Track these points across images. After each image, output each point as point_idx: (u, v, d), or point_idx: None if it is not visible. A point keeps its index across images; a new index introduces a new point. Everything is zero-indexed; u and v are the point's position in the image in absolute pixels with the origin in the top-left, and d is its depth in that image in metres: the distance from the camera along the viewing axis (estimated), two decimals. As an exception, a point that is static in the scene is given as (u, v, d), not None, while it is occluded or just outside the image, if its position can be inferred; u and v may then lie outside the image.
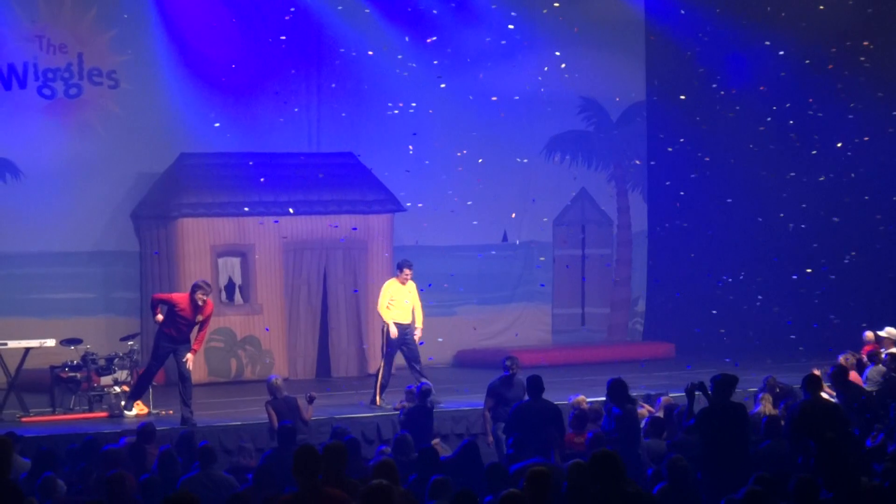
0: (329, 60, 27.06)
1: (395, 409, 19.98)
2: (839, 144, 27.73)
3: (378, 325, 24.74)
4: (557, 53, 28.36)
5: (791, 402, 18.06)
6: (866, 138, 27.42)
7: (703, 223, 28.80)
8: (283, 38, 26.45)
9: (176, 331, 20.23)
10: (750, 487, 11.00)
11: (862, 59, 27.35)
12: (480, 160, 27.74)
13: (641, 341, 29.72)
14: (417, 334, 22.19)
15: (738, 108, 28.20)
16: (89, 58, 25.94)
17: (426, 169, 27.28)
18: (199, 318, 20.24)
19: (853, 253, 27.96)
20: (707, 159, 28.68)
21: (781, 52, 27.47)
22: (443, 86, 26.98)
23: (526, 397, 17.92)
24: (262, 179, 25.39)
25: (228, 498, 12.60)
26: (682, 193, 28.57)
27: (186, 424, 19.63)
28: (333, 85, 27.06)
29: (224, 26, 26.17)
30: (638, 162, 29.98)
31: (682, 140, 28.78)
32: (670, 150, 29.03)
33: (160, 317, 20.50)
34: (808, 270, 27.96)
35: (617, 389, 16.87)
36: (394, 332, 21.99)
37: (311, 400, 19.06)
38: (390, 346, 22.02)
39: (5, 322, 24.30)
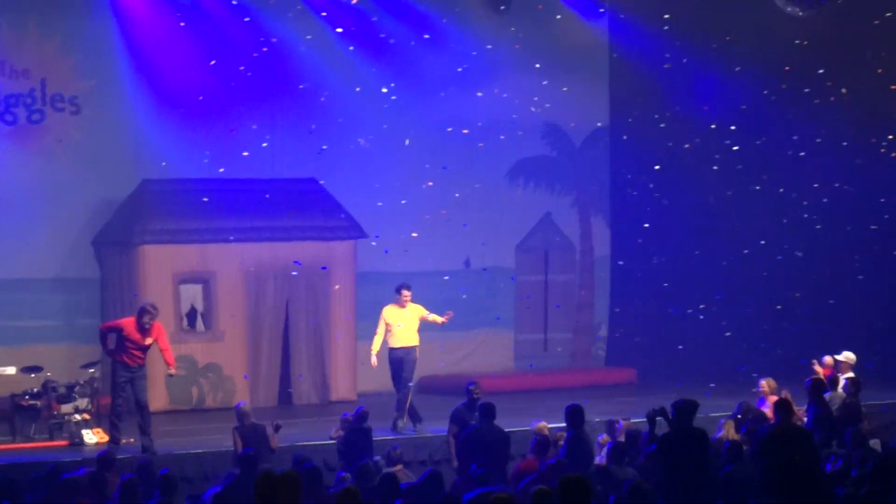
0: (291, 87, 27.02)
1: (332, 439, 19.54)
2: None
3: (336, 350, 24.96)
4: (526, 81, 28.41)
5: (753, 426, 18.11)
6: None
7: (665, 249, 28.86)
8: (243, 68, 26.44)
9: (128, 357, 20.13)
10: None
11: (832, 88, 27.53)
12: (457, 195, 27.98)
13: (604, 367, 29.75)
14: (447, 318, 22.41)
15: (697, 139, 28.28)
16: (52, 83, 25.90)
17: (389, 195, 27.29)
18: (149, 340, 20.16)
19: (797, 293, 28.22)
20: (658, 182, 28.78)
21: (738, 68, 27.63)
22: (393, 96, 27.04)
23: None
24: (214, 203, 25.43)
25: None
26: (646, 225, 28.62)
27: (147, 453, 19.57)
28: (296, 114, 27.07)
29: (186, 54, 26.16)
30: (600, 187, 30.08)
31: (644, 165, 28.85)
32: (629, 177, 29.19)
33: (111, 346, 20.46)
34: (779, 307, 28.21)
35: (574, 415, 16.89)
36: (374, 361, 22.19)
37: (277, 428, 18.98)
38: (397, 372, 22.22)
39: (-35, 349, 24.25)
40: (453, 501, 13.07)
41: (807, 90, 27.46)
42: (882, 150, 27.55)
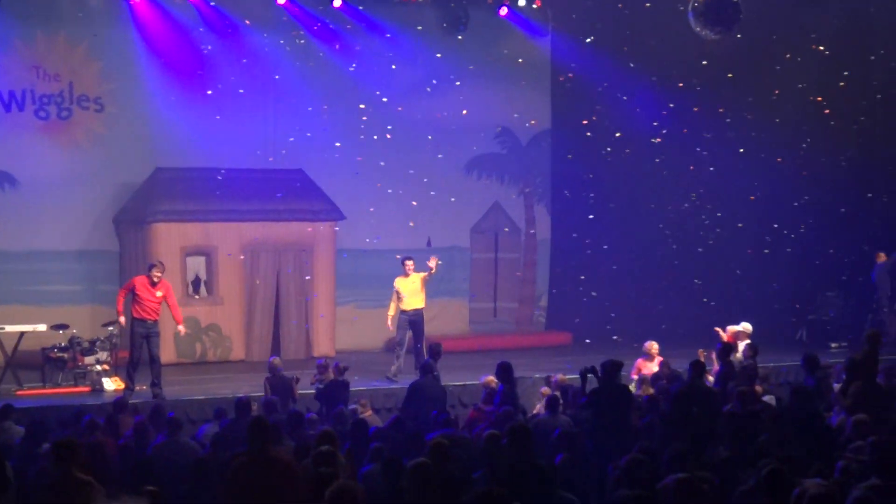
0: (284, 89, 26.98)
1: (312, 384, 19.47)
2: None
3: (318, 314, 25.08)
4: (480, 88, 28.41)
5: (665, 384, 18.18)
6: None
7: (596, 231, 28.92)
8: (244, 60, 26.38)
9: (143, 310, 20.04)
10: (632, 455, 11.05)
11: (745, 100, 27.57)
12: (425, 180, 28.03)
13: (544, 331, 29.80)
14: (433, 262, 22.68)
15: (625, 140, 28.35)
16: (79, 86, 25.81)
17: (365, 184, 27.30)
18: (159, 293, 20.07)
19: (697, 281, 28.40)
20: (591, 176, 28.85)
21: (653, 78, 27.69)
22: (362, 105, 27.05)
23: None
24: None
25: (192, 461, 12.57)
26: (590, 217, 28.76)
27: (157, 399, 19.53)
28: (285, 114, 27.01)
29: (195, 60, 26.11)
30: (541, 180, 30.11)
31: (580, 161, 28.92)
32: (567, 172, 29.27)
33: (122, 318, 20.34)
34: (697, 281, 28.30)
35: (504, 371, 16.97)
36: (390, 325, 22.65)
37: (296, 381, 18.92)
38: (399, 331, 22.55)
39: (3, 309, 24.16)
40: (418, 439, 13.11)
41: (720, 108, 27.61)
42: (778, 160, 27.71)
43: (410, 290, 22.55)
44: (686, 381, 16.79)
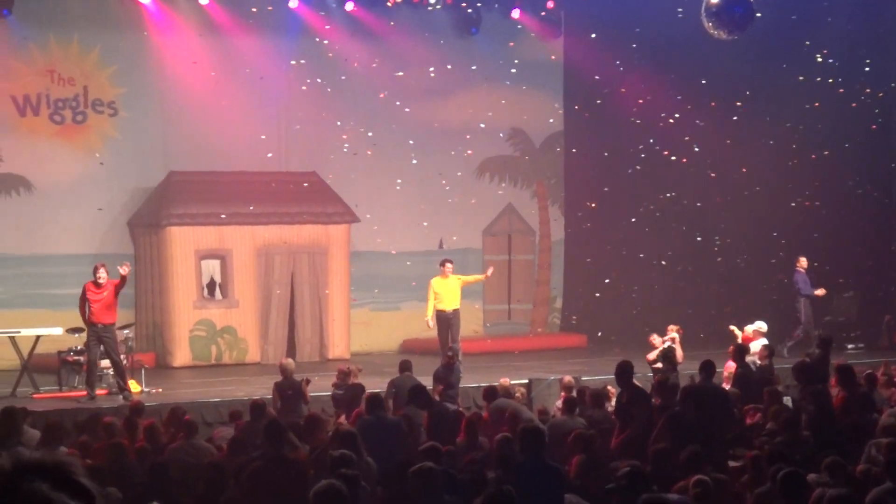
0: (296, 93, 26.99)
1: (333, 388, 19.28)
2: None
3: (333, 316, 25.11)
4: (493, 90, 28.42)
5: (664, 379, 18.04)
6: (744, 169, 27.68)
7: (610, 233, 28.89)
8: (256, 64, 26.41)
9: (92, 313, 19.80)
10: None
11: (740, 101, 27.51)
12: (443, 181, 27.98)
13: (558, 332, 29.77)
14: (490, 271, 23.96)
15: (636, 142, 28.32)
16: (93, 90, 25.88)
17: (378, 187, 27.32)
18: (105, 294, 19.90)
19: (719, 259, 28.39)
20: (605, 177, 28.80)
21: (670, 76, 27.66)
22: (383, 95, 27.08)
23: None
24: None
25: (207, 463, 12.58)
26: (592, 204, 28.74)
27: (126, 401, 19.15)
28: (298, 118, 27.01)
29: (208, 65, 26.13)
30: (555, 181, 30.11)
31: (593, 164, 28.90)
32: (580, 174, 29.27)
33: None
34: (713, 282, 28.26)
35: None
36: (430, 324, 22.74)
37: (307, 383, 18.84)
38: (438, 333, 22.83)
39: (20, 313, 24.24)
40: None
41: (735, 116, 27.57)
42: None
43: (448, 291, 22.87)
44: (699, 382, 16.71)
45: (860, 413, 14.92)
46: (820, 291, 25.38)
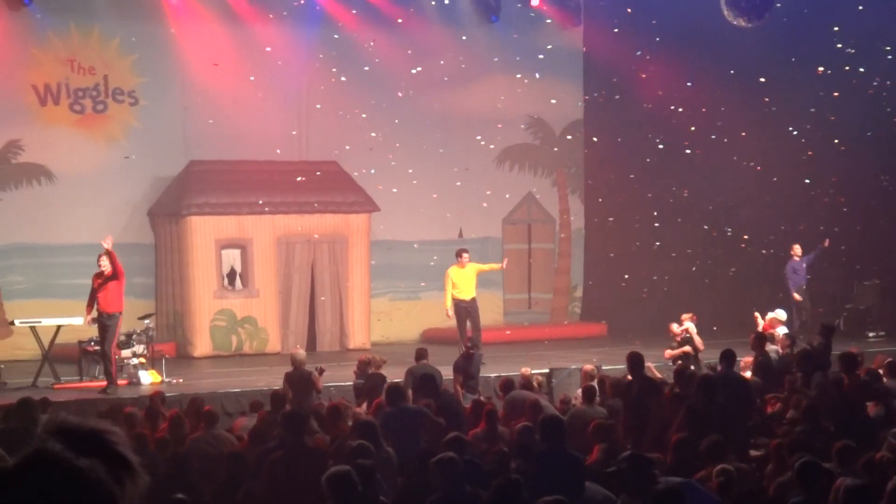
0: (316, 81, 27.02)
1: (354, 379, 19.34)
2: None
3: (353, 306, 25.17)
4: (512, 78, 28.42)
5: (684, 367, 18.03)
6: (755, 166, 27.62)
7: (631, 222, 28.86)
8: (277, 51, 26.45)
9: (97, 302, 19.82)
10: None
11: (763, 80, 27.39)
12: (463, 168, 28.02)
13: (579, 321, 29.75)
14: (506, 262, 24.78)
15: (656, 129, 28.27)
16: (113, 79, 25.93)
17: (398, 176, 27.31)
18: (106, 282, 19.80)
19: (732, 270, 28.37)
20: (625, 165, 28.73)
21: (691, 65, 27.57)
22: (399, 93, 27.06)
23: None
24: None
25: (228, 453, 12.61)
26: (621, 201, 28.72)
27: (103, 393, 19.29)
28: (318, 106, 27.03)
29: (227, 53, 26.16)
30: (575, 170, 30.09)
31: (613, 150, 28.89)
32: (601, 162, 29.27)
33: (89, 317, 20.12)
34: (733, 269, 28.18)
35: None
36: (449, 313, 22.97)
37: (321, 372, 18.73)
38: (463, 319, 23.05)
39: (40, 303, 24.30)
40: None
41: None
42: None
43: (465, 281, 23.03)
44: (720, 371, 16.67)
45: (862, 400, 14.88)
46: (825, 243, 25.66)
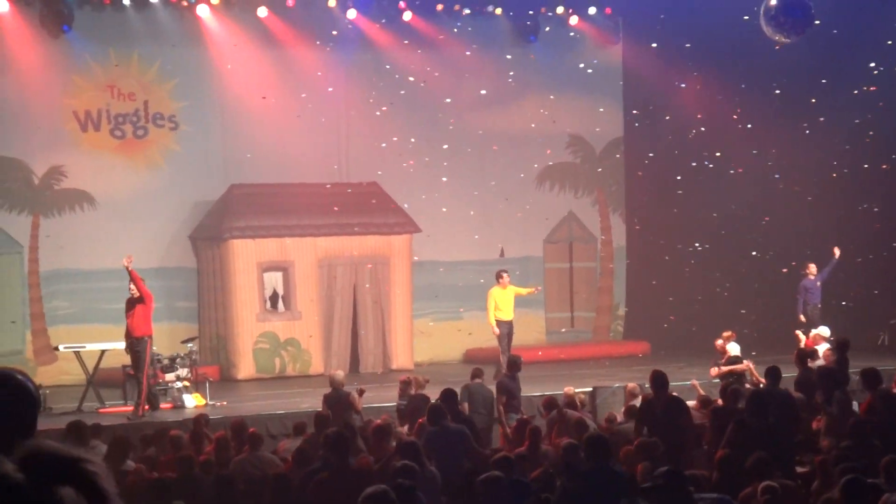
0: (356, 103, 27.12)
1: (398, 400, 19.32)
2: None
3: (395, 327, 25.27)
4: (552, 97, 28.45)
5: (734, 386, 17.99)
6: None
7: (673, 240, 28.79)
8: (318, 74, 26.58)
9: (127, 327, 19.90)
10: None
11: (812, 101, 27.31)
12: (492, 182, 28.06)
13: (622, 340, 29.71)
14: (539, 288, 25.38)
15: (698, 149, 28.21)
16: (153, 105, 26.12)
17: (438, 196, 27.37)
18: (134, 306, 19.77)
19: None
20: (667, 183, 28.66)
21: (737, 83, 27.49)
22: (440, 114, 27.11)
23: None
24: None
25: (273, 475, 12.66)
26: (663, 219, 28.65)
27: (129, 419, 19.35)
28: (360, 127, 27.14)
29: (267, 78, 26.31)
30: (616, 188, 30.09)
31: (654, 170, 28.84)
32: (642, 180, 29.24)
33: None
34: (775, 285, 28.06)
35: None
36: (496, 331, 23.40)
37: (360, 393, 18.68)
38: (500, 341, 23.45)
39: (85, 328, 24.47)
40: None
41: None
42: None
43: (506, 301, 23.44)
44: (765, 386, 16.64)
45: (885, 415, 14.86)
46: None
